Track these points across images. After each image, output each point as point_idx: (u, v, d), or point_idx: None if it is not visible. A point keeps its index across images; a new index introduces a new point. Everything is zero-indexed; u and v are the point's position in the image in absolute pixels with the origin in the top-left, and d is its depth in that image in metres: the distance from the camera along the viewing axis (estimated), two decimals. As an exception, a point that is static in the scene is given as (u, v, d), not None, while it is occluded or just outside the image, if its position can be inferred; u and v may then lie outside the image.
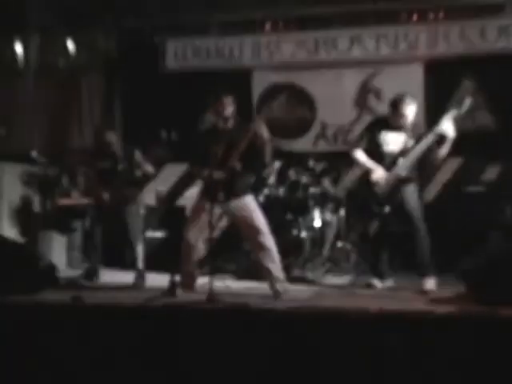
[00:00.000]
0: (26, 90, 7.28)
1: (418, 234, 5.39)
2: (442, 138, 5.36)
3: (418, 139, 5.46)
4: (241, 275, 6.24)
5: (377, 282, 5.63)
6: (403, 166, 5.44)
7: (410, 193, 5.50)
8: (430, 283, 5.38)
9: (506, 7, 7.13)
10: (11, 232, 6.83)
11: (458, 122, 5.39)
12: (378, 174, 5.51)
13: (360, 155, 5.66)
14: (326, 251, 6.54)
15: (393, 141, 5.52)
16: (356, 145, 5.75)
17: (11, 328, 4.35)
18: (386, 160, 5.52)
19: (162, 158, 6.08)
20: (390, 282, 5.67)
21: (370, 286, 5.62)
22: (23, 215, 7.06)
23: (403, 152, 5.47)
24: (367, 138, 5.66)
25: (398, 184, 5.46)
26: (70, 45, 7.48)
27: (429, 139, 5.38)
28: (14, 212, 7.05)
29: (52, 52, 7.20)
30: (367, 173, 5.60)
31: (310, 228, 6.49)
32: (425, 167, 5.65)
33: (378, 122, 5.79)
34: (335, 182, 7.05)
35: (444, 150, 5.39)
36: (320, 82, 7.76)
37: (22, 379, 4.17)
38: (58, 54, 7.34)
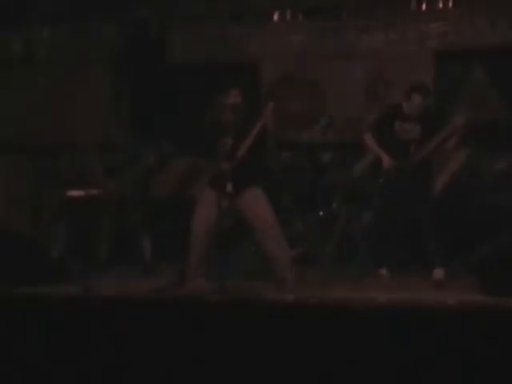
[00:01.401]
0: (34, 82, 7.28)
1: (426, 224, 5.37)
2: (454, 131, 5.33)
3: (432, 130, 5.41)
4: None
5: (385, 273, 5.60)
6: (418, 156, 5.40)
7: (419, 182, 5.46)
8: (439, 273, 5.35)
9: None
10: (19, 225, 6.84)
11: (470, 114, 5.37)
12: (387, 162, 5.47)
13: (370, 141, 5.65)
14: (334, 242, 6.51)
15: (407, 130, 5.48)
16: (367, 129, 5.71)
17: (20, 320, 4.36)
18: (399, 148, 5.48)
19: (167, 151, 6.06)
20: (384, 272, 5.64)
21: (378, 276, 5.60)
22: (31, 208, 7.07)
23: (417, 142, 5.42)
24: (381, 123, 5.64)
25: (408, 173, 5.43)
26: (77, 36, 7.47)
27: (445, 132, 5.33)
28: (22, 205, 7.06)
29: (58, 44, 7.19)
30: (377, 160, 5.57)
31: (318, 219, 6.46)
32: (435, 157, 5.62)
33: (392, 110, 5.75)
34: (343, 172, 7.02)
35: (453, 141, 5.37)
36: (329, 73, 7.72)
37: (32, 370, 4.18)
38: (64, 46, 7.33)
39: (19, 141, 7.48)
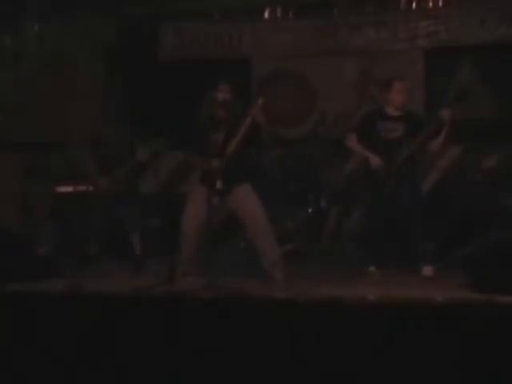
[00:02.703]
0: (25, 78, 7.26)
1: (415, 221, 5.38)
2: (439, 127, 5.36)
3: (417, 127, 5.44)
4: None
5: (374, 270, 5.61)
6: (404, 154, 5.42)
7: (409, 179, 5.47)
8: (428, 270, 5.37)
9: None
10: (8, 222, 6.81)
11: (458, 110, 5.38)
12: (375, 161, 5.50)
13: (352, 144, 5.67)
14: (324, 240, 6.53)
15: (391, 128, 5.50)
16: (350, 133, 5.74)
17: (10, 317, 4.35)
18: (385, 148, 5.48)
19: (160, 147, 6.05)
20: (373, 269, 5.65)
21: (368, 274, 5.61)
22: (21, 204, 7.04)
23: (402, 140, 5.45)
24: (364, 126, 5.65)
25: (396, 171, 5.44)
26: (69, 32, 7.45)
27: (432, 128, 5.36)
28: (12, 201, 7.03)
29: (51, 39, 7.17)
30: (366, 161, 5.59)
31: (308, 216, 6.48)
32: (423, 155, 5.64)
33: (374, 111, 5.78)
34: (334, 170, 7.04)
35: (441, 138, 5.39)
36: (320, 70, 7.74)
37: (20, 368, 4.17)
38: (57, 42, 7.31)
39: (8, 137, 7.45)
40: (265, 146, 5.30)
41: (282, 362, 3.90)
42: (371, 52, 7.59)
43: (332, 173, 6.98)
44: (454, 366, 3.73)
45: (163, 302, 4.40)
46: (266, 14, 7.83)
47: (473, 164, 6.80)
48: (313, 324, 3.99)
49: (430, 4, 7.43)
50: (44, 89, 7.43)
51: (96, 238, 6.16)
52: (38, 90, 7.40)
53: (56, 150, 7.16)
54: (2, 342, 4.26)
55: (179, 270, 5.21)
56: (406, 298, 4.34)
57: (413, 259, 5.55)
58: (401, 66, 7.38)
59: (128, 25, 7.89)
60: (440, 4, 7.41)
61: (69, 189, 6.57)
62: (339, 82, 7.67)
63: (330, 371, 3.84)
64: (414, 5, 7.48)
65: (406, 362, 3.78)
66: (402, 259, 5.94)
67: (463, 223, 6.08)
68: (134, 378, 4.06)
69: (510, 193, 6.25)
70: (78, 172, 6.38)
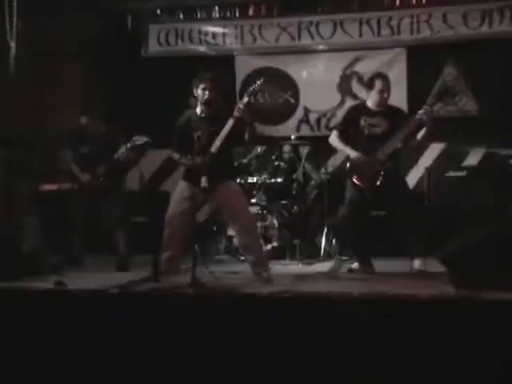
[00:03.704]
0: (7, 74, 7.19)
1: (402, 216, 5.40)
2: (420, 123, 5.39)
3: (399, 123, 5.47)
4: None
5: (357, 266, 5.63)
6: (386, 150, 5.44)
7: (392, 175, 5.48)
8: (418, 263, 5.38)
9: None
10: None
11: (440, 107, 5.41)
12: (357, 158, 5.51)
13: (335, 141, 5.67)
14: (307, 236, 6.56)
15: (374, 124, 5.52)
16: (334, 130, 5.76)
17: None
18: (368, 144, 5.48)
19: (143, 145, 6.04)
20: (354, 265, 5.67)
21: (351, 271, 5.64)
22: (4, 201, 7.00)
23: (386, 135, 5.47)
24: (347, 122, 5.66)
25: (380, 167, 5.45)
26: (54, 28, 7.40)
27: (411, 124, 5.39)
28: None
29: (34, 36, 7.11)
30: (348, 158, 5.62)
31: (292, 213, 6.50)
32: (406, 151, 5.66)
33: (357, 107, 5.80)
34: (317, 167, 7.07)
35: (423, 135, 5.41)
36: (303, 67, 7.77)
37: (5, 367, 4.16)
38: (40, 38, 7.25)
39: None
40: (249, 143, 5.31)
41: (268, 358, 3.91)
42: (354, 49, 7.61)
43: (315, 170, 7.01)
44: (437, 361, 3.76)
45: (148, 300, 4.40)
46: (250, 11, 7.83)
47: (455, 161, 6.86)
48: (298, 320, 4.00)
49: (413, 1, 7.47)
50: (27, 86, 7.38)
51: (80, 236, 6.14)
52: (21, 86, 7.34)
53: (39, 147, 7.12)
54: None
55: (164, 268, 5.21)
56: (391, 294, 4.37)
57: (398, 255, 5.58)
58: (384, 62, 7.41)
59: (112, 21, 7.86)
60: (423, 1, 7.44)
61: (54, 187, 6.55)
62: (322, 79, 7.70)
63: (317, 368, 3.86)
64: (397, 1, 7.50)
65: (395, 359, 3.81)
66: (387, 255, 5.98)
67: (445, 220, 6.12)
68: (118, 375, 4.06)
69: (492, 190, 6.31)
70: (61, 170, 6.37)
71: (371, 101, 5.59)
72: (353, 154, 5.54)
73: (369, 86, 5.64)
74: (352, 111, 5.75)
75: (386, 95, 5.52)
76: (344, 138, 5.64)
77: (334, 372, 3.82)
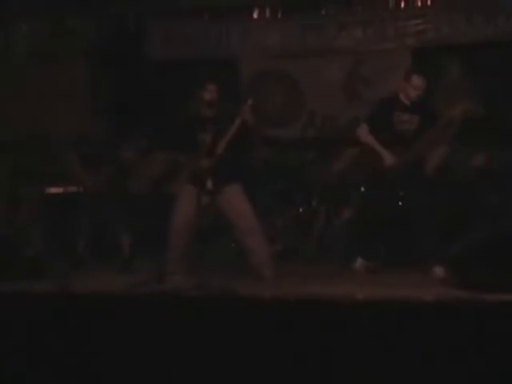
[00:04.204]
0: (11, 77, 7.23)
1: (425, 221, 5.27)
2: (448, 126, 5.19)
3: (428, 120, 5.24)
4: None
5: (359, 267, 5.57)
6: (416, 150, 5.21)
7: (415, 176, 5.30)
8: (440, 270, 5.07)
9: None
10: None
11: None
12: (390, 161, 5.28)
13: (366, 136, 5.39)
14: (312, 238, 6.54)
15: (406, 121, 5.30)
16: (362, 123, 5.49)
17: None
18: (398, 142, 5.27)
19: (146, 148, 6.05)
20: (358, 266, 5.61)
21: (356, 272, 5.59)
22: (8, 204, 7.01)
23: (416, 134, 5.25)
24: (379, 116, 5.36)
25: (408, 168, 5.25)
26: (55, 31, 7.43)
27: (442, 123, 5.16)
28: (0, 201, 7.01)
29: (36, 39, 7.14)
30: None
31: (297, 215, 6.49)
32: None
33: (389, 100, 5.46)
34: (323, 169, 7.05)
35: (449, 134, 5.24)
36: (308, 70, 7.76)
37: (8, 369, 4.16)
38: (43, 41, 7.28)
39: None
40: (253, 145, 5.31)
41: (271, 361, 3.90)
42: (359, 51, 7.60)
43: (320, 172, 6.99)
44: (441, 363, 3.75)
45: (152, 302, 4.40)
46: (255, 14, 7.83)
47: (460, 163, 6.83)
48: (302, 323, 3.99)
49: (418, 3, 7.46)
50: (29, 87, 7.41)
51: (84, 238, 6.15)
52: (24, 88, 7.37)
53: (42, 149, 7.13)
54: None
55: (168, 270, 5.21)
56: (395, 296, 4.36)
57: (404, 259, 5.51)
58: (388, 64, 7.40)
59: (115, 24, 7.86)
60: (428, 3, 7.43)
61: (59, 190, 6.56)
62: (327, 81, 7.68)
63: (320, 371, 3.85)
64: (401, 3, 7.49)
65: (397, 362, 3.79)
66: (396, 258, 5.91)
67: (450, 222, 6.10)
68: (122, 377, 4.05)
69: (497, 192, 6.29)
70: (65, 171, 6.37)
71: (404, 94, 5.32)
72: (385, 155, 5.28)
73: (406, 78, 5.33)
74: (384, 104, 5.43)
75: (418, 94, 5.25)
76: (373, 133, 5.36)
77: (337, 375, 3.81)
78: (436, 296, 4.22)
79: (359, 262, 5.57)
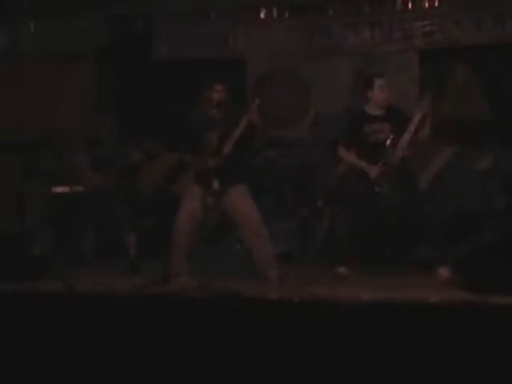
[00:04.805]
0: (19, 77, 7.25)
1: (419, 225, 5.29)
2: (422, 118, 5.25)
3: (401, 123, 5.32)
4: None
5: (347, 271, 5.55)
6: (397, 154, 5.36)
7: (404, 180, 5.39)
8: (445, 271, 5.11)
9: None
10: (4, 221, 6.81)
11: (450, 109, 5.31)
12: (374, 172, 5.35)
13: (346, 155, 5.56)
14: (318, 240, 6.53)
15: (377, 130, 5.39)
16: (341, 141, 5.63)
17: (3, 316, 4.35)
18: (375, 151, 5.37)
19: (153, 149, 6.06)
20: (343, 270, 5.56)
21: (339, 275, 5.52)
22: (15, 205, 7.03)
23: (392, 139, 5.34)
24: (352, 131, 5.51)
25: (393, 173, 5.35)
26: (62, 32, 7.44)
27: (415, 121, 5.24)
28: (6, 202, 7.02)
29: (44, 39, 7.15)
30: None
31: (303, 217, 6.48)
32: (413, 152, 5.55)
33: (357, 114, 5.64)
34: (327, 171, 7.03)
35: (426, 131, 5.28)
36: (314, 70, 7.73)
37: (14, 368, 4.17)
38: (50, 41, 7.29)
39: (3, 137, 7.44)
40: (259, 146, 5.31)
41: (275, 361, 3.90)
42: (366, 52, 7.59)
43: (325, 173, 6.98)
44: (447, 365, 3.74)
45: (157, 302, 4.41)
46: (262, 14, 7.82)
47: (467, 164, 6.81)
48: (306, 324, 3.99)
49: (426, 4, 7.43)
50: (37, 88, 7.42)
51: (90, 238, 6.16)
52: (31, 88, 7.39)
53: (50, 149, 7.15)
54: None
55: (173, 270, 5.22)
56: (398, 298, 4.35)
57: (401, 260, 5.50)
58: (395, 65, 7.38)
59: (121, 24, 7.87)
60: (435, 4, 7.41)
61: (65, 189, 6.58)
62: (334, 82, 7.66)
63: (323, 371, 3.85)
64: (409, 5, 7.47)
65: (400, 363, 3.79)
66: (392, 259, 5.90)
67: (457, 224, 6.08)
68: (126, 377, 4.06)
69: (504, 193, 6.27)
70: (73, 171, 6.39)
71: (371, 102, 5.46)
72: (368, 168, 5.36)
73: (367, 85, 5.48)
74: (354, 119, 5.60)
75: (385, 94, 5.38)
76: (351, 148, 5.52)
77: (340, 376, 3.81)
78: (442, 298, 4.21)
79: (342, 269, 5.54)
